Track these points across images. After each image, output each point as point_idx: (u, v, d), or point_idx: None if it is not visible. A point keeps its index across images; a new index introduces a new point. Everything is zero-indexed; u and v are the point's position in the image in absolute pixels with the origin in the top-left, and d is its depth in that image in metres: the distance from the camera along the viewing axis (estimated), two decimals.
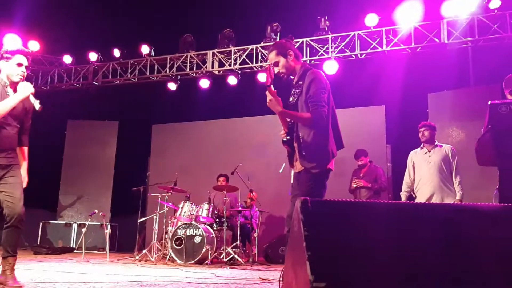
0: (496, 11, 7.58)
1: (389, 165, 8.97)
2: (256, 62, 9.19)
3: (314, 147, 3.12)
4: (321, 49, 8.78)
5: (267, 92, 3.16)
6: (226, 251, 7.14)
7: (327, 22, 8.62)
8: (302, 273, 0.99)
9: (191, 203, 7.39)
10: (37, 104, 3.56)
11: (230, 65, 9.35)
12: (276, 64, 3.31)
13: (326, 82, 3.23)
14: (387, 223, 1.15)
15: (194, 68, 9.67)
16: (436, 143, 5.51)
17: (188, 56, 9.62)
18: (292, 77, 3.36)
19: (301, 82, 3.23)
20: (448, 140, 7.66)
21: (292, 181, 3.29)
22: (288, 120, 3.28)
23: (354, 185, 7.06)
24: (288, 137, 3.25)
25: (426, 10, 7.94)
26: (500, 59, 8.25)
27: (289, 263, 1.30)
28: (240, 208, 7.93)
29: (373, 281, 1.02)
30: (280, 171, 3.76)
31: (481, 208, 1.19)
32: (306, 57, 8.80)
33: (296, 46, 8.81)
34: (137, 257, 7.29)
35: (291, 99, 3.30)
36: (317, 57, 8.82)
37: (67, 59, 10.34)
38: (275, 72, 3.35)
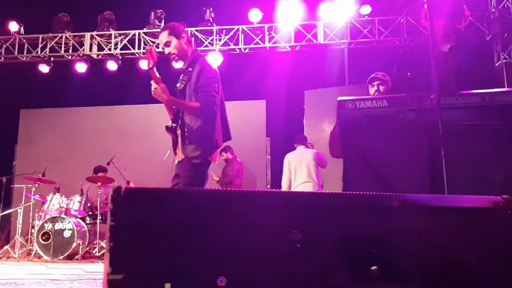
0: (366, 16, 8.23)
1: (268, 157, 9.29)
2: (139, 49, 8.86)
3: (199, 136, 3.06)
4: (206, 40, 8.75)
5: (152, 81, 3.02)
6: (100, 245, 6.84)
7: (212, 13, 8.61)
8: (106, 265, 0.94)
9: (61, 195, 7.01)
10: None
11: (110, 49, 8.89)
12: (168, 44, 3.17)
13: (216, 71, 3.18)
14: (211, 212, 1.14)
15: (70, 50, 9.00)
16: None
17: (63, 37, 8.91)
18: (182, 62, 3.24)
19: (190, 69, 3.13)
20: (321, 135, 8.18)
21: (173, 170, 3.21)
22: (174, 106, 3.17)
23: (212, 179, 7.58)
24: (173, 124, 3.15)
25: (306, 11, 8.33)
26: (371, 60, 9.00)
27: (106, 256, 1.23)
28: None
29: (182, 275, 1.01)
30: (165, 158, 3.64)
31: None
32: None
33: None
34: None
35: (178, 85, 3.20)
36: (202, 48, 8.76)
37: None
38: (166, 53, 3.21)
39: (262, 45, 8.57)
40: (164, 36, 3.19)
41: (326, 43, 8.43)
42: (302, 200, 1.18)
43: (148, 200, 1.05)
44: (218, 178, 7.64)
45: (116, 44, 8.88)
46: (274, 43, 8.55)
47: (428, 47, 2.51)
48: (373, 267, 1.17)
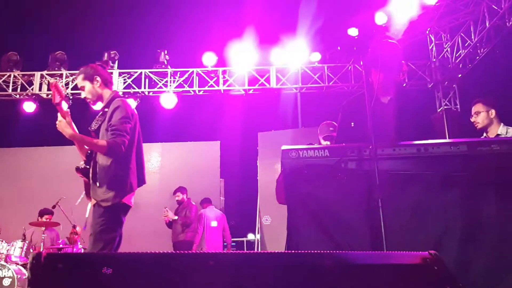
0: (316, 63, 8.56)
1: (222, 198, 9.22)
2: None
3: (110, 177, 2.95)
4: (160, 82, 8.77)
5: (58, 114, 2.97)
6: None
7: (166, 56, 8.68)
8: None
9: (2, 241, 6.62)
10: None
11: None
12: (83, 89, 3.20)
13: (132, 112, 3.13)
14: (140, 277, 1.11)
15: (18, 89, 8.74)
16: None
17: (12, 76, 8.67)
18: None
19: (106, 109, 3.10)
20: (274, 177, 8.08)
21: (87, 215, 3.08)
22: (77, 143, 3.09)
23: (163, 216, 7.63)
24: (87, 166, 3.03)
25: (259, 56, 8.55)
26: (322, 104, 9.30)
27: None
28: (61, 245, 7.25)
29: None
30: (77, 203, 3.50)
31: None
32: (145, 88, 8.71)
33: (134, 77, 8.72)
34: None
35: (93, 125, 3.14)
36: (155, 89, 8.77)
37: None
38: (82, 97, 3.22)
39: (216, 87, 8.68)
40: (79, 81, 3.23)
41: (279, 87, 8.66)
42: (229, 261, 1.18)
43: (70, 267, 1.01)
44: (176, 217, 7.51)
45: (67, 84, 8.72)
46: (228, 86, 8.69)
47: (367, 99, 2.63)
48: None
